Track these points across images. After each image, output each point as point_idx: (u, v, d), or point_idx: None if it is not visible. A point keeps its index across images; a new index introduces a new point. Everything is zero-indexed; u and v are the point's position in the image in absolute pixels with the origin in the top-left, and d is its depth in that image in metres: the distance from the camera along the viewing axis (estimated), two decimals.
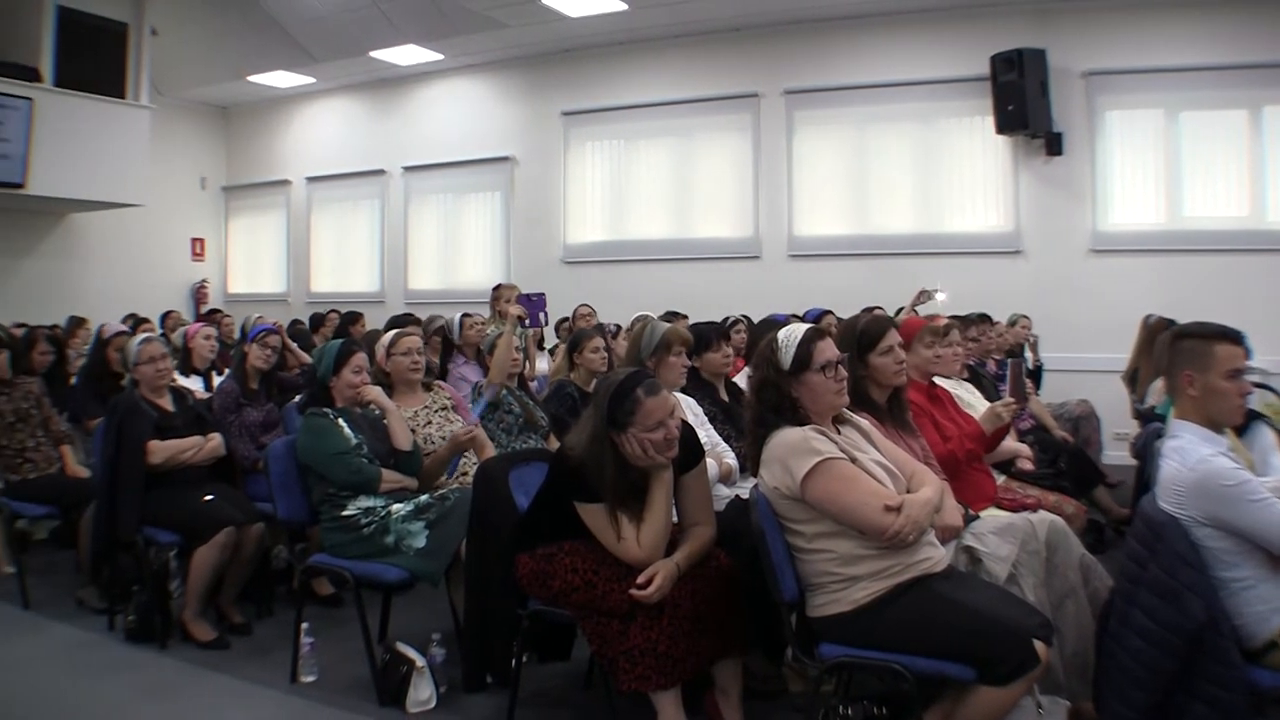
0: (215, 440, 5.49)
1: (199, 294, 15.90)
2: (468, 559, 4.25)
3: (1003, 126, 10.13)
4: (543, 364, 8.13)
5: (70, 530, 6.31)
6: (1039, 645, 2.99)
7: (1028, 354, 8.40)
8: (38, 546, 6.97)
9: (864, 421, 3.59)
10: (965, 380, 5.29)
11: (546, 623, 3.96)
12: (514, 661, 4.02)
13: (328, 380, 4.91)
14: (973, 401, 4.79)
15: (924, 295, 8.18)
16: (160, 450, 5.23)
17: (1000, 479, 4.65)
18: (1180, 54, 9.74)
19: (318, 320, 11.08)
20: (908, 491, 3.32)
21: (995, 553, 3.67)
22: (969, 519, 3.88)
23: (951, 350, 4.77)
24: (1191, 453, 3.07)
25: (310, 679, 4.63)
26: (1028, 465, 5.10)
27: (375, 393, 4.97)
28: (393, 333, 5.52)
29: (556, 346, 8.61)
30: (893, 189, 11.09)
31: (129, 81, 13.16)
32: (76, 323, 9.36)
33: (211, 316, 11.30)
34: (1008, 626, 3.03)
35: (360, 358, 5.00)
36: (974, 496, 4.13)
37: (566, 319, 9.43)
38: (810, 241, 11.47)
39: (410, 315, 8.66)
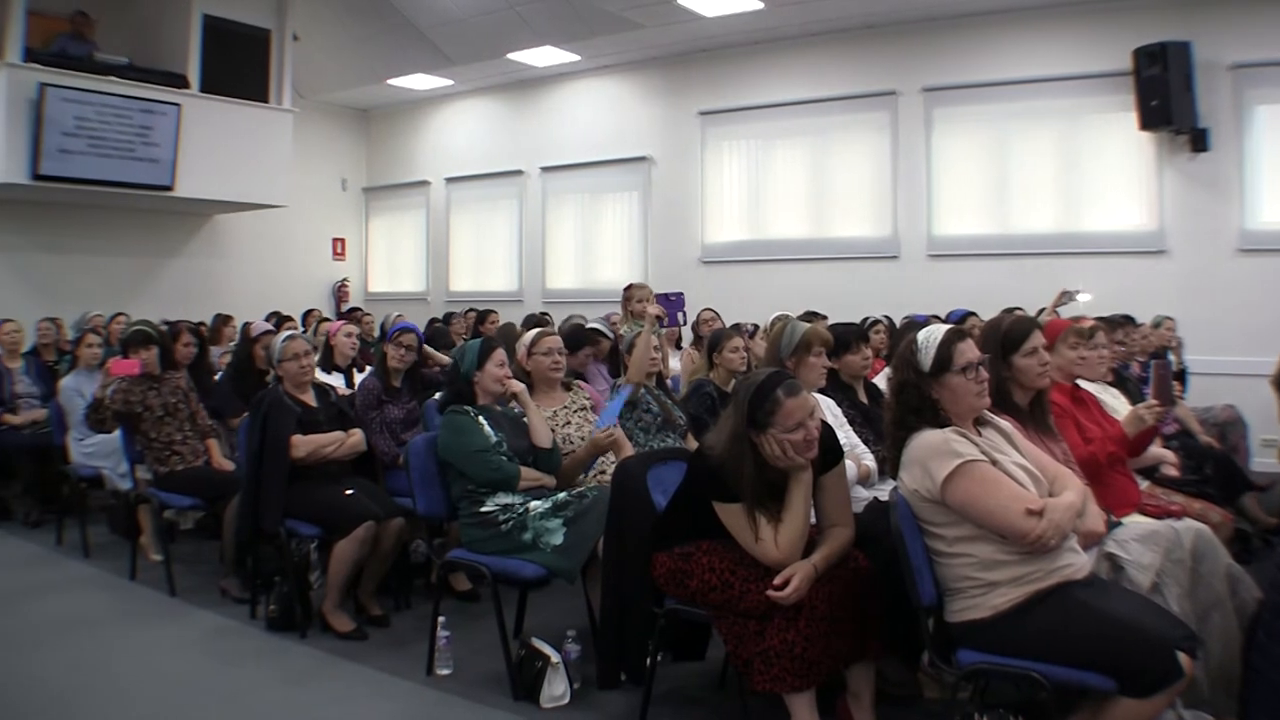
0: (356, 436, 5.72)
1: (340, 293, 16.34)
2: (605, 556, 4.30)
3: (1146, 122, 9.91)
4: (676, 363, 8.19)
5: (215, 521, 6.60)
6: (1183, 657, 2.94)
7: (1171, 357, 8.23)
8: (184, 536, 7.34)
9: (1006, 424, 3.58)
10: (1110, 384, 5.23)
11: (682, 621, 4.00)
12: (649, 660, 4.07)
13: (471, 376, 5.02)
14: (1117, 406, 4.73)
15: (1065, 296, 8.06)
16: (303, 445, 5.44)
17: (1144, 485, 4.58)
18: None
19: (448, 319, 11.31)
20: (1049, 495, 3.31)
21: (1138, 560, 3.63)
22: (1111, 525, 3.84)
23: (1097, 353, 4.71)
24: None
25: (445, 672, 4.77)
26: (1172, 471, 5.02)
27: (519, 388, 5.08)
28: (534, 331, 5.61)
29: (686, 348, 8.67)
30: (1033, 187, 10.91)
31: (272, 86, 13.59)
32: (222, 320, 9.69)
33: (352, 315, 11.61)
34: (1151, 637, 2.99)
35: (501, 353, 5.10)
36: (1117, 502, 4.07)
37: (692, 323, 9.48)
38: (949, 241, 11.38)
39: (545, 315, 8.81)
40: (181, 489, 6.26)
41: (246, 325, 7.70)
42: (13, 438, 8.05)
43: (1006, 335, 4.04)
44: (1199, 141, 9.86)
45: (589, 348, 7.03)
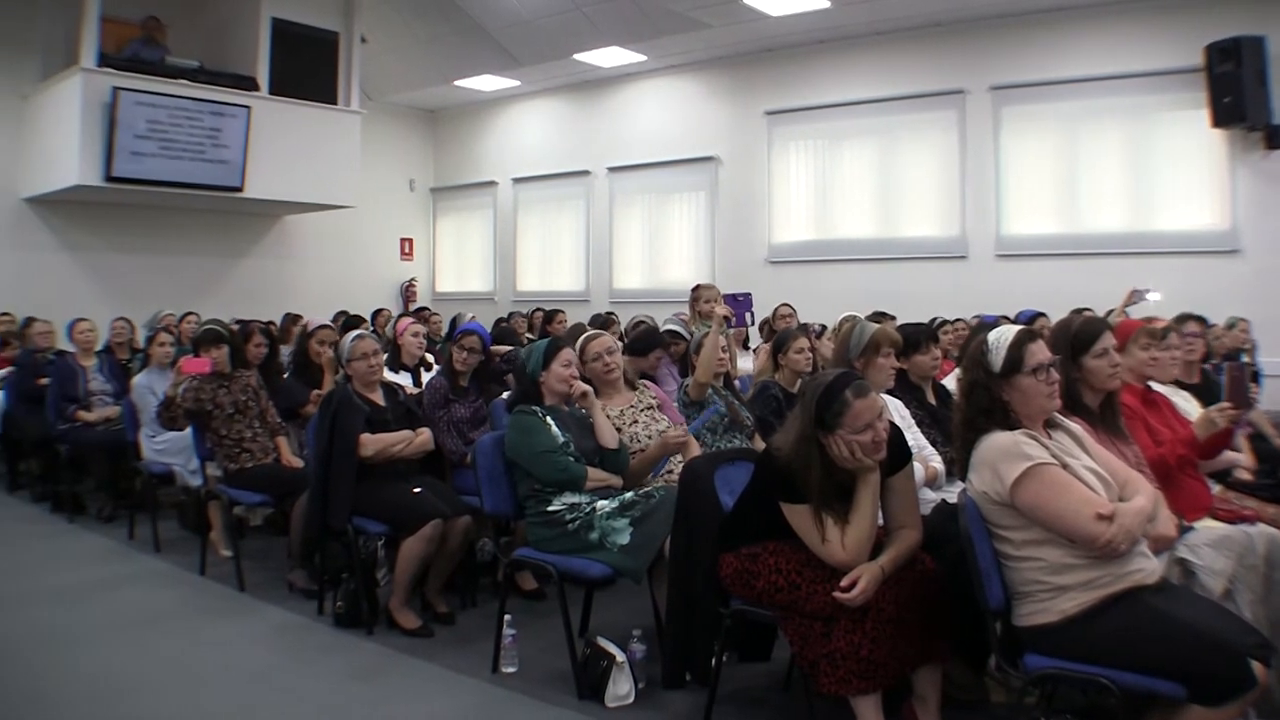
0: (424, 435, 5.77)
1: (407, 292, 16.56)
2: (671, 556, 4.32)
3: (1219, 119, 9.83)
4: (746, 363, 8.19)
5: (284, 518, 6.73)
6: (1256, 665, 2.90)
7: (1244, 359, 8.12)
8: (253, 532, 7.46)
9: (1076, 426, 3.55)
10: (1182, 386, 5.16)
11: (748, 622, 4.01)
12: (714, 660, 4.09)
13: (537, 376, 5.05)
14: (1189, 409, 4.67)
15: (1135, 295, 7.99)
16: (371, 443, 5.51)
17: (1216, 489, 4.51)
18: None
19: (508, 318, 11.39)
20: (1120, 499, 3.28)
21: (1210, 566, 3.60)
22: (1183, 530, 3.80)
23: (1169, 354, 4.66)
24: None
25: (511, 670, 4.80)
26: (1245, 474, 4.94)
27: (584, 389, 5.09)
28: (583, 336, 5.61)
29: (759, 346, 8.66)
30: (1102, 186, 10.86)
31: (340, 88, 13.83)
32: (291, 320, 9.81)
33: (420, 314, 11.71)
34: (1223, 644, 2.94)
35: (568, 353, 5.13)
36: (1188, 506, 4.02)
37: (766, 319, 9.48)
38: (1018, 241, 11.34)
39: (612, 315, 8.84)
40: (251, 486, 6.35)
41: (304, 324, 7.80)
42: (87, 434, 8.19)
43: (1077, 336, 4.00)
44: (1273, 139, 9.76)
45: (660, 350, 7.03)
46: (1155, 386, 4.62)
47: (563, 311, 10.90)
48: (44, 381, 8.63)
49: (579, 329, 7.46)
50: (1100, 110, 10.80)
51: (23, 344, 9.79)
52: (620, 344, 7.24)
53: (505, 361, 7.25)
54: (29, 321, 10.00)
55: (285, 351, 8.32)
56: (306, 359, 7.30)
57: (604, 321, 8.32)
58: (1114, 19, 10.69)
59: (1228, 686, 2.91)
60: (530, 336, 10.28)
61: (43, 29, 12.19)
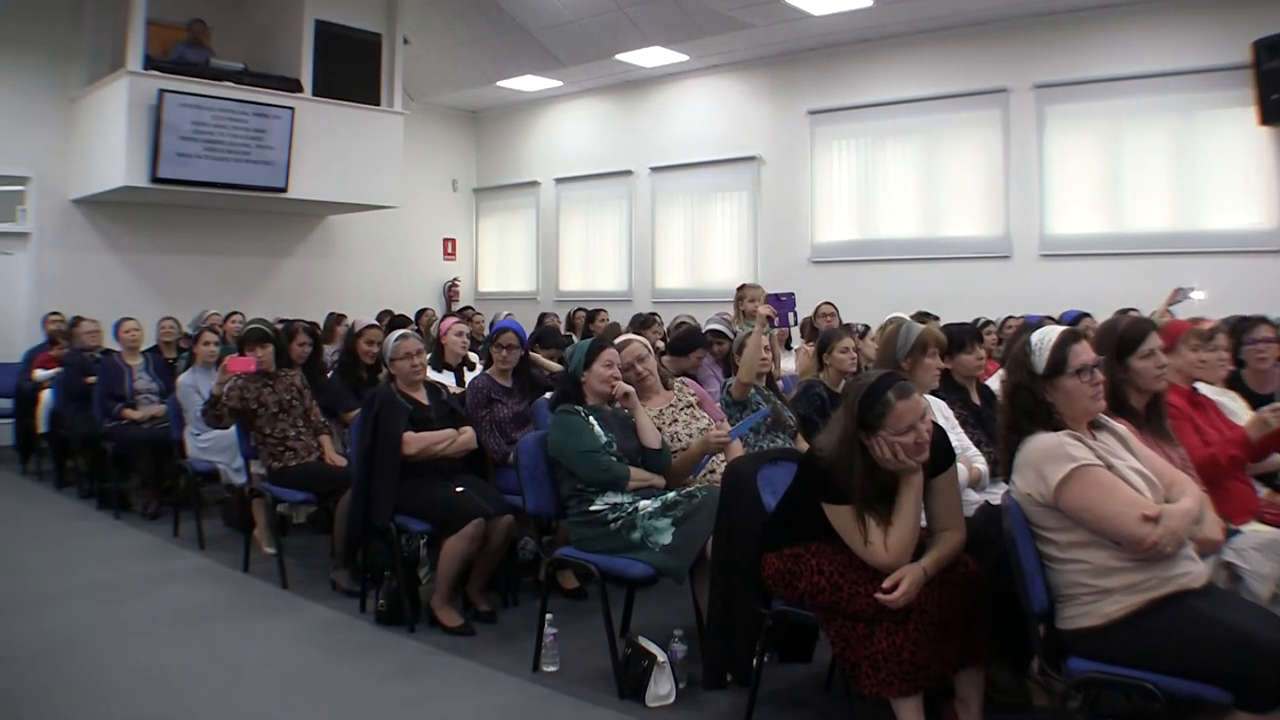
0: (467, 434, 5.81)
1: (450, 292, 16.66)
2: (713, 556, 4.32)
3: (1267, 117, 9.73)
4: (788, 363, 8.18)
5: (327, 516, 6.76)
6: None
7: None
8: (296, 530, 7.52)
9: (1121, 427, 3.52)
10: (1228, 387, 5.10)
11: (790, 623, 4.02)
12: (755, 660, 4.08)
13: (579, 376, 5.08)
14: (1236, 410, 4.63)
15: (1179, 294, 7.92)
16: (415, 442, 5.55)
17: (1263, 492, 4.45)
18: None
19: (541, 319, 11.44)
20: (1166, 501, 3.24)
21: (1258, 570, 3.57)
22: (1229, 533, 3.77)
23: (1217, 355, 4.61)
24: None
25: (552, 669, 4.83)
26: None
27: (626, 389, 5.12)
28: (618, 340, 5.60)
29: (801, 347, 8.65)
30: (1148, 185, 10.76)
31: (383, 89, 13.90)
32: (336, 319, 9.88)
33: (463, 314, 11.77)
34: (1270, 649, 2.90)
35: (610, 353, 5.15)
36: (1235, 509, 3.97)
37: (808, 318, 9.46)
38: (1062, 240, 11.27)
39: (654, 315, 8.85)
40: (294, 484, 6.42)
41: (352, 324, 7.85)
42: (133, 432, 8.30)
43: (1123, 337, 3.96)
44: None
45: (701, 350, 7.03)
46: (1201, 388, 4.58)
47: (604, 311, 10.90)
48: (91, 380, 8.76)
49: (615, 329, 7.46)
50: (1145, 108, 10.72)
51: (70, 343, 9.91)
52: (661, 344, 7.29)
53: (551, 377, 7.22)
54: (76, 321, 10.11)
55: (329, 350, 8.38)
56: (353, 358, 7.35)
57: (644, 321, 8.29)
58: (1159, 15, 10.59)
59: (1275, 692, 2.87)
60: (572, 335, 10.30)
61: (89, 33, 12.36)
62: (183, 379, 7.79)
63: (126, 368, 8.67)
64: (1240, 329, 5.20)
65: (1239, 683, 2.92)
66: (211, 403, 6.59)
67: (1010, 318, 8.29)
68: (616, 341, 5.56)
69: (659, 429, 5.19)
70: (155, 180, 11.42)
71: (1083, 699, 3.48)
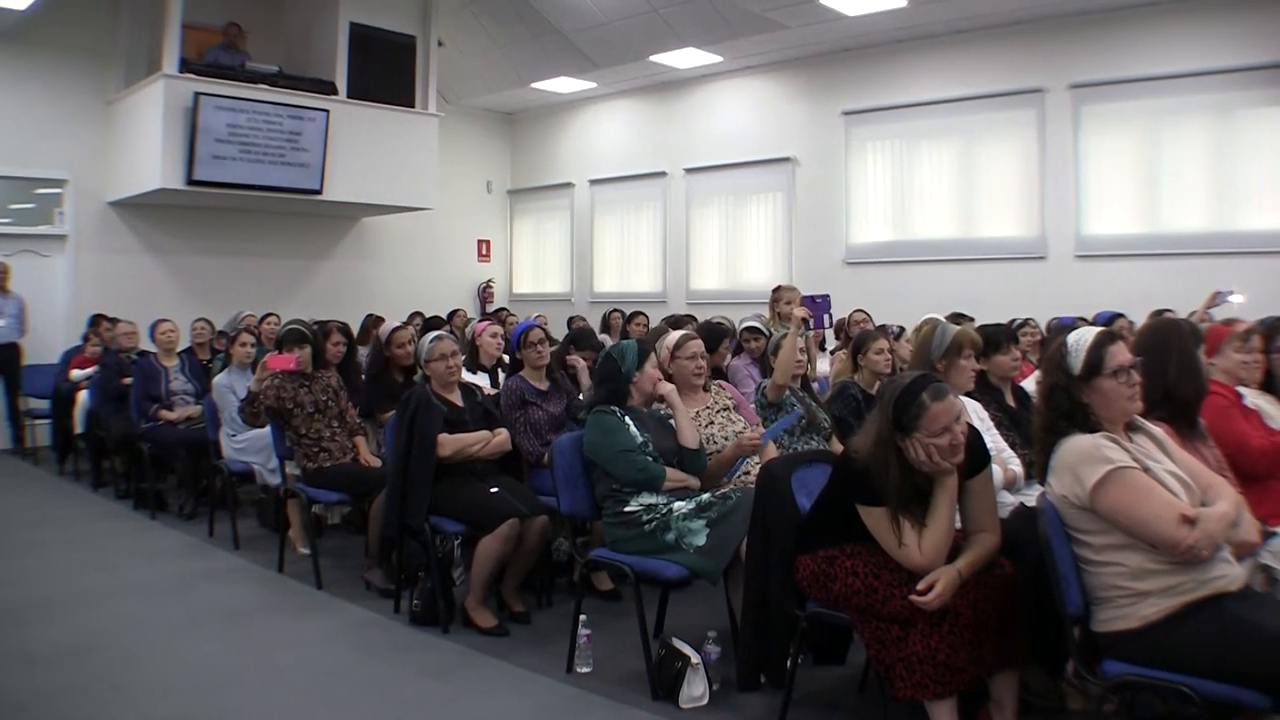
0: (502, 435, 5.84)
1: (485, 293, 16.73)
2: (748, 558, 4.30)
3: None
4: (824, 365, 8.18)
5: (361, 516, 6.82)
6: None
7: None
8: (331, 531, 7.59)
9: (1158, 430, 3.52)
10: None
11: (824, 625, 4.03)
12: (789, 662, 4.10)
13: (632, 376, 5.10)
14: (1273, 412, 4.61)
15: (1218, 298, 7.87)
16: (449, 443, 5.58)
17: None
18: None
19: (569, 322, 11.47)
20: (1202, 504, 3.24)
21: None
22: (1267, 536, 3.75)
23: (1253, 357, 4.60)
24: None
25: (585, 670, 4.84)
26: None
27: (669, 389, 5.15)
28: (679, 334, 5.67)
29: (838, 348, 8.64)
30: (1185, 185, 10.67)
31: (418, 91, 13.98)
32: (373, 321, 9.91)
33: (498, 315, 11.80)
34: None
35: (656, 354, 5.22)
36: (1272, 512, 3.96)
37: (842, 320, 9.44)
38: (1098, 241, 11.20)
39: (690, 316, 8.85)
40: (329, 484, 6.46)
41: (377, 334, 7.87)
42: (169, 433, 8.37)
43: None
44: None
45: (726, 340, 7.04)
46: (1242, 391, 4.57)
47: (643, 314, 10.92)
48: (127, 381, 8.83)
49: (657, 332, 7.48)
50: (1183, 108, 10.64)
51: (106, 345, 10.01)
52: None
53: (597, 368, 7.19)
54: (113, 322, 10.20)
55: (364, 352, 8.42)
56: (384, 367, 7.36)
57: (676, 321, 8.31)
58: (1196, 14, 10.51)
59: None
60: (607, 338, 10.32)
61: (126, 37, 12.51)
62: (218, 380, 7.85)
63: (163, 369, 8.74)
64: (1274, 331, 5.17)
65: (1277, 687, 2.91)
66: (249, 400, 6.65)
67: (1030, 319, 8.19)
68: (675, 338, 5.60)
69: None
70: (191, 183, 11.52)
71: (1119, 702, 3.49)
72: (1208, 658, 3.04)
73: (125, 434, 8.71)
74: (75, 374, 10.04)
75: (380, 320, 9.35)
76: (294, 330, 6.91)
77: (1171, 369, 4.03)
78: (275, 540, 7.01)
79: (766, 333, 7.21)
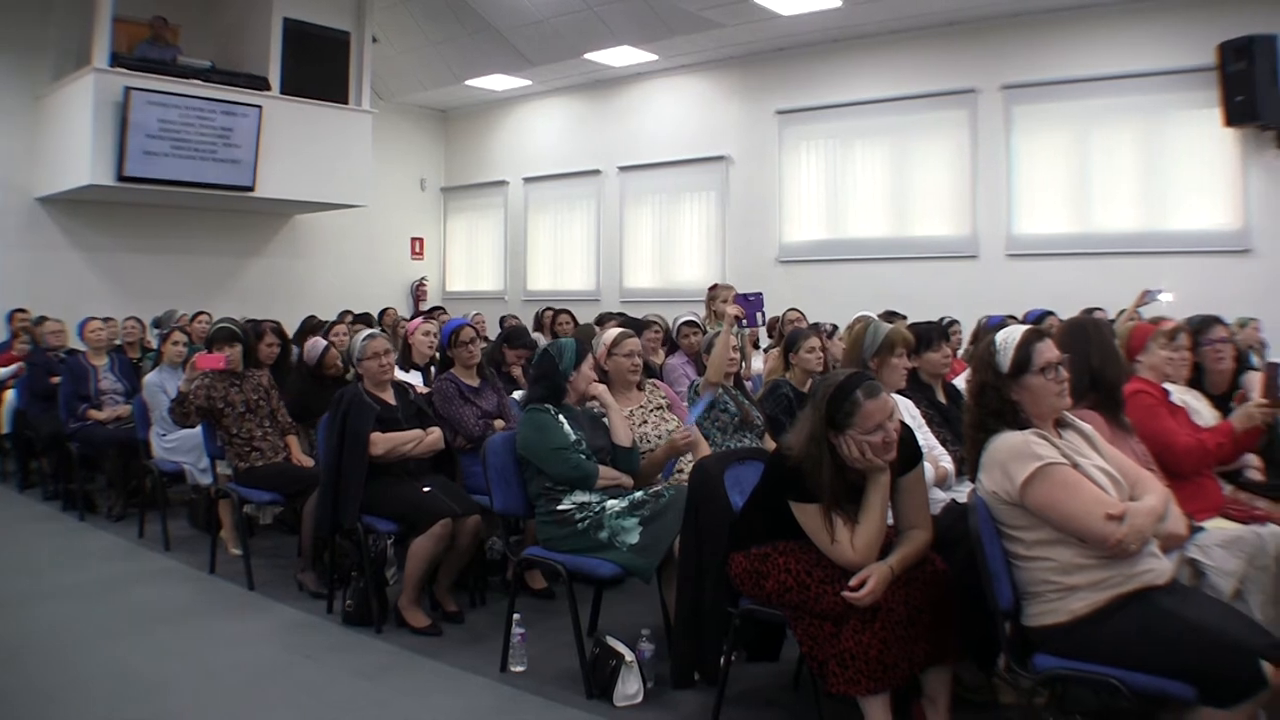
0: (435, 434, 5.79)
1: (418, 292, 16.67)
2: (681, 556, 4.31)
3: (1231, 118, 9.80)
4: (758, 363, 8.20)
5: (294, 516, 6.74)
6: (1267, 666, 2.88)
7: (1254, 358, 8.07)
8: (263, 531, 7.47)
9: (1087, 426, 3.55)
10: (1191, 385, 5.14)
11: (757, 622, 4.03)
12: (723, 659, 4.09)
13: (570, 375, 5.08)
14: (1199, 408, 4.67)
15: (1147, 296, 7.97)
16: (382, 442, 5.53)
17: (1227, 489, 4.50)
18: None
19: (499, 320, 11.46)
20: (1131, 499, 3.27)
21: (1221, 566, 3.61)
22: (1194, 530, 3.81)
23: (1180, 355, 4.66)
24: None
25: (519, 669, 4.82)
26: (1257, 475, 4.92)
27: (601, 389, 5.14)
28: (616, 332, 5.65)
29: (771, 346, 8.65)
30: (1114, 185, 10.85)
31: (351, 88, 13.90)
32: (314, 325, 9.77)
33: (432, 314, 11.73)
34: (1233, 645, 2.94)
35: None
36: (1199, 506, 4.03)
37: (776, 318, 9.46)
38: (1029, 240, 11.34)
39: (623, 315, 8.84)
40: (261, 484, 6.38)
41: (301, 356, 7.77)
42: (98, 433, 8.22)
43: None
44: None
45: (648, 331, 7.05)
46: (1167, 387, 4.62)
47: (569, 311, 10.89)
48: (56, 380, 8.67)
49: (588, 331, 7.47)
50: (1112, 109, 10.78)
51: (36, 342, 9.83)
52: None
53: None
54: (40, 320, 10.03)
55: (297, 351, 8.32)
56: (317, 380, 7.34)
57: (602, 319, 8.32)
58: (1126, 18, 10.67)
59: (1238, 688, 2.90)
60: (540, 336, 10.28)
61: (55, 30, 12.28)
62: (149, 378, 7.73)
63: (92, 368, 8.58)
64: (1202, 328, 5.23)
65: (1203, 678, 2.95)
66: (179, 400, 6.54)
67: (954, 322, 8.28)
68: (612, 336, 5.59)
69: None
70: (121, 179, 11.36)
71: (1049, 695, 3.51)
72: (1136, 650, 3.07)
73: (53, 434, 8.52)
74: (0, 372, 9.85)
75: (320, 325, 9.23)
76: (225, 329, 6.82)
77: (1094, 356, 4.10)
78: (207, 541, 6.87)
79: (704, 329, 7.22)
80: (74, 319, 9.46)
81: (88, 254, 12.91)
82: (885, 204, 12.38)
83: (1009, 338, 3.44)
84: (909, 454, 3.72)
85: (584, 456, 4.83)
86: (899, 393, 4.82)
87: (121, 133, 11.22)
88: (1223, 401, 5.01)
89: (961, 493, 4.40)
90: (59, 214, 12.71)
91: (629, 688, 4.41)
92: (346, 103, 13.74)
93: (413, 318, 10.87)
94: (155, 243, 13.39)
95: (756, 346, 8.90)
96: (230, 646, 5.24)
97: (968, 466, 3.58)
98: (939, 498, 4.46)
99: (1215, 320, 5.35)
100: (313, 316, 10.37)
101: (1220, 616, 3.16)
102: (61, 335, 9.60)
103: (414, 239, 17.10)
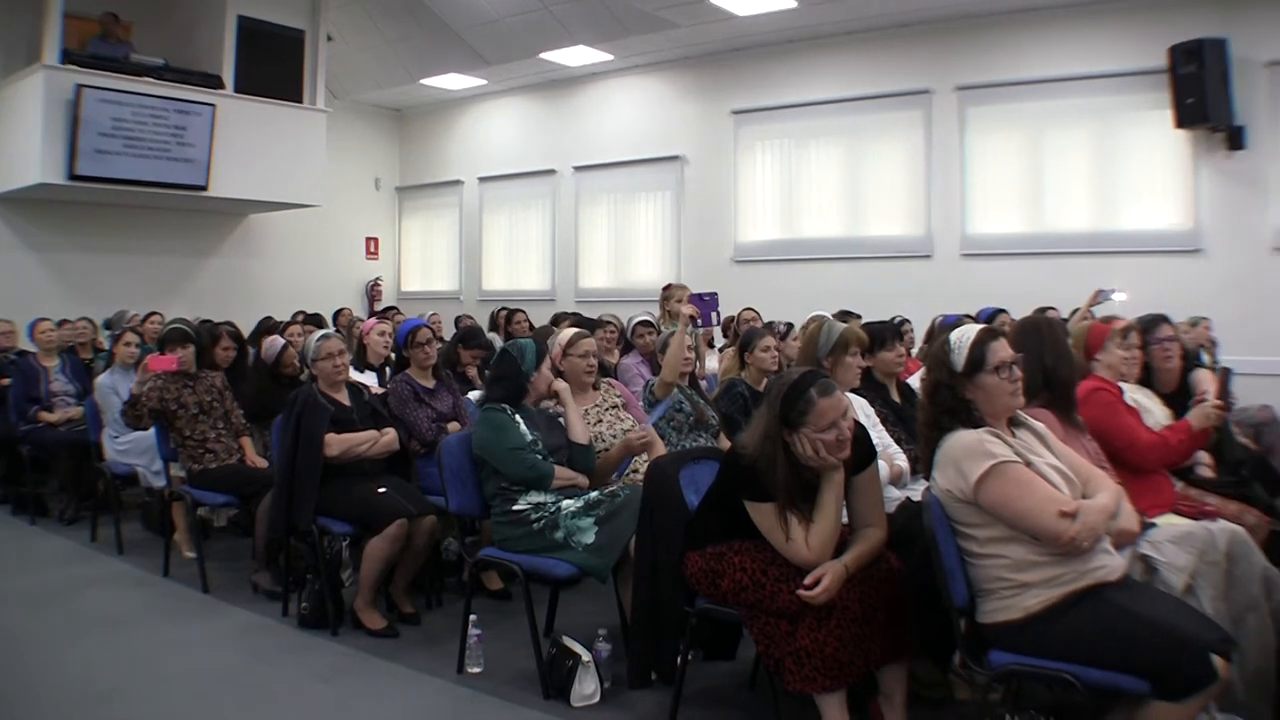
0: (390, 435, 5.76)
1: (373, 292, 16.55)
2: (637, 556, 4.31)
3: (1182, 120, 9.85)
4: (712, 363, 8.21)
5: (248, 518, 6.67)
6: (1218, 660, 2.92)
7: (1205, 357, 8.15)
8: (217, 533, 7.41)
9: (1040, 425, 3.58)
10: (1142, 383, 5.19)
11: (713, 621, 4.03)
12: (680, 659, 4.10)
13: (531, 375, 5.07)
14: (1151, 407, 4.72)
15: (1100, 296, 8.03)
16: (337, 443, 5.50)
17: (1178, 486, 4.55)
18: None
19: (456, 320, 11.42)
20: (1083, 497, 3.30)
21: (1172, 562, 3.63)
22: (1146, 526, 3.84)
23: (1132, 354, 4.71)
24: None
25: (476, 670, 4.81)
26: (1207, 472, 4.97)
27: (562, 386, 5.15)
28: (572, 332, 5.63)
29: (726, 346, 8.66)
30: (1068, 186, 10.88)
31: (306, 86, 13.75)
32: (269, 327, 9.71)
33: (386, 314, 11.67)
34: (1185, 639, 2.98)
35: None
36: (1151, 503, 4.07)
37: (731, 318, 9.48)
38: (983, 240, 11.36)
39: (578, 314, 8.82)
40: (215, 486, 6.33)
41: (259, 355, 7.70)
42: (49, 435, 8.13)
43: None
44: (1235, 139, 9.79)
45: (600, 329, 7.06)
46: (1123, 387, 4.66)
47: (523, 311, 10.86)
48: (5, 382, 8.55)
49: (545, 332, 7.45)
50: (1065, 110, 10.83)
51: None
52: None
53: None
54: None
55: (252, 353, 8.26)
56: (274, 375, 7.28)
57: (598, 323, 8.32)
58: (1079, 20, 10.72)
59: (1190, 681, 2.93)
60: (496, 336, 10.25)
61: (3, 25, 12.05)
62: (101, 380, 7.64)
63: (42, 369, 8.48)
64: (1150, 327, 5.27)
65: (1156, 673, 2.98)
66: (131, 403, 6.47)
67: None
68: (568, 336, 5.56)
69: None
70: (73, 177, 11.19)
71: (1004, 691, 3.53)
72: (1089, 646, 3.10)
73: (4, 436, 8.41)
74: None
75: (276, 327, 9.15)
76: (177, 330, 6.74)
77: (1047, 356, 4.12)
78: (160, 544, 6.82)
79: (659, 328, 7.22)
80: (24, 319, 9.33)
81: (38, 254, 12.71)
82: (840, 204, 12.37)
83: (963, 337, 3.46)
84: (863, 453, 3.73)
85: (540, 457, 4.82)
86: (853, 391, 4.83)
87: (73, 131, 11.06)
88: (1172, 400, 5.05)
89: (916, 491, 4.41)
90: (9, 213, 12.49)
91: (586, 688, 4.41)
92: (301, 101, 13.61)
93: (368, 318, 10.80)
94: (107, 242, 13.20)
95: (711, 346, 8.91)
96: (185, 651, 5.19)
97: (922, 465, 3.60)
98: (894, 496, 4.47)
99: (1162, 319, 5.39)
100: (269, 317, 10.27)
101: (1172, 612, 3.19)
102: (11, 336, 9.47)
103: (369, 239, 16.97)
